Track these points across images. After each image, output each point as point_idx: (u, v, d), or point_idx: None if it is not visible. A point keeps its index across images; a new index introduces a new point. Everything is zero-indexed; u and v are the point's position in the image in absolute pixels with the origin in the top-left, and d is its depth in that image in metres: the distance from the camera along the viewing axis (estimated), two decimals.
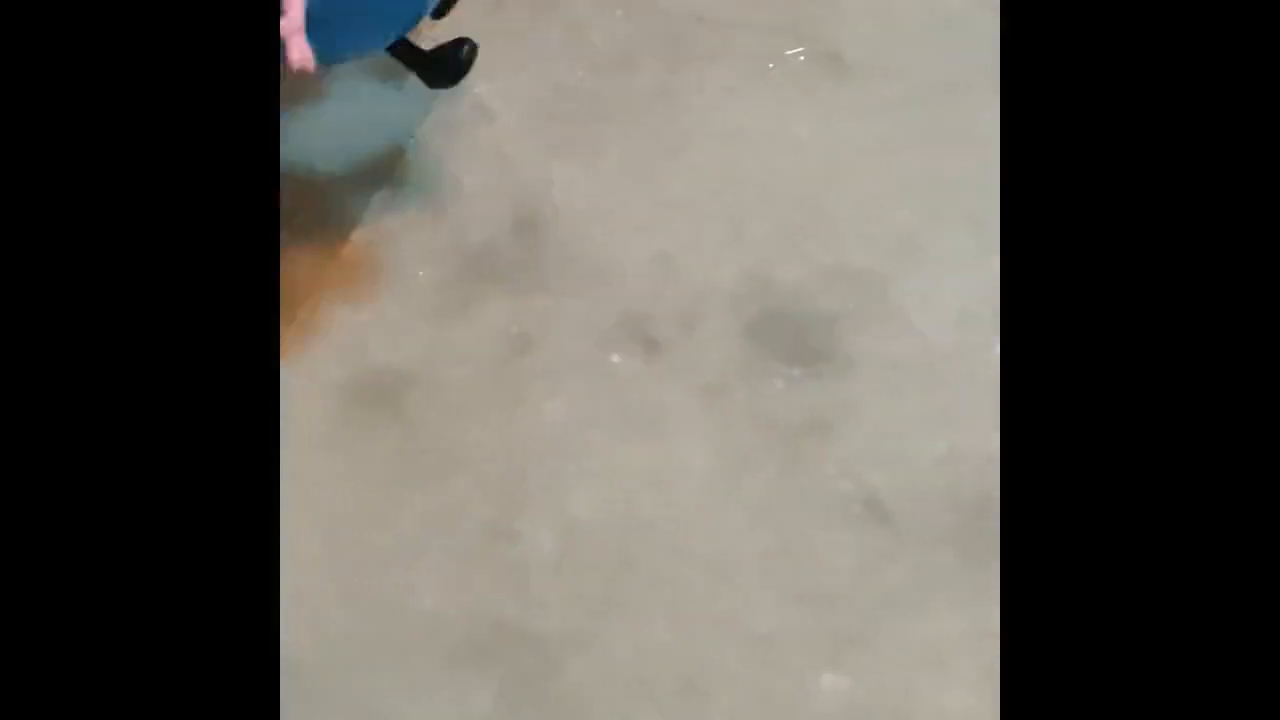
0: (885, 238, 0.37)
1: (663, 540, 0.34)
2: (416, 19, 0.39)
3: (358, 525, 0.35)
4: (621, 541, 0.34)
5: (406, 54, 0.39)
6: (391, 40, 0.39)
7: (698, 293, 0.37)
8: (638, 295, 0.38)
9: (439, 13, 0.40)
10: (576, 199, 0.39)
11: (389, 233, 0.39)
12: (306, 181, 0.40)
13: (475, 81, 0.39)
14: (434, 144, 0.40)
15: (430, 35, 0.40)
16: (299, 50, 0.33)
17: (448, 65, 0.39)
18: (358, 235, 0.39)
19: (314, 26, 0.35)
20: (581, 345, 0.37)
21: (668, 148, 0.40)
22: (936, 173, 0.39)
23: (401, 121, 0.40)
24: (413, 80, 0.38)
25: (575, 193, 0.40)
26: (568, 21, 0.43)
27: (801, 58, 0.40)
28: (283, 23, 0.33)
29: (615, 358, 0.37)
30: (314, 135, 0.41)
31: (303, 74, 0.34)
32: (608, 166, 0.40)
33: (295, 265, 0.39)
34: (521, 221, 0.39)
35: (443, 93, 0.38)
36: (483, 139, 0.40)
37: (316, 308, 0.38)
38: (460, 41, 0.39)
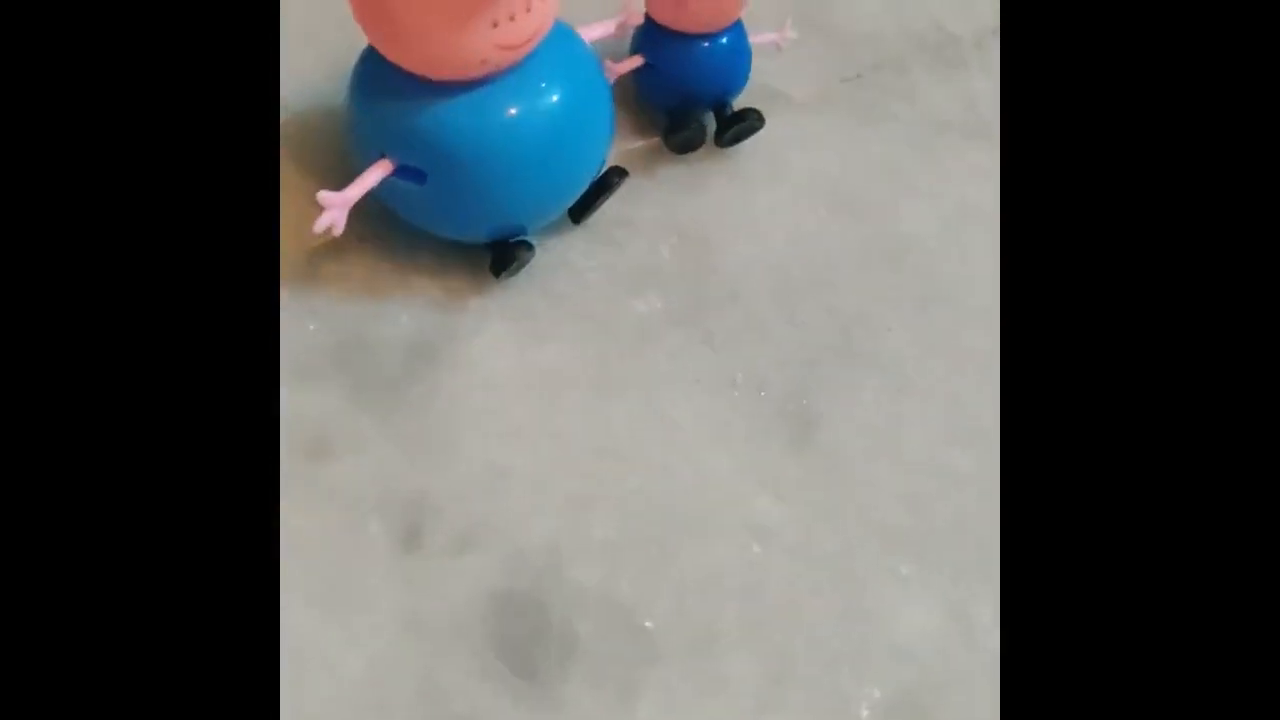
0: None
1: None
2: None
3: None
4: None
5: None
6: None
7: None
8: None
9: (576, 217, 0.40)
10: None
11: None
12: None
13: None
14: None
15: None
16: (325, 220, 0.34)
17: (503, 257, 0.38)
18: None
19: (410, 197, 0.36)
20: None
21: None
22: None
23: None
24: None
25: None
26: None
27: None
28: (327, 193, 0.34)
29: None
30: None
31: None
32: None
33: None
34: None
35: None
36: None
37: None
38: (521, 244, 0.38)
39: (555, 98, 0.36)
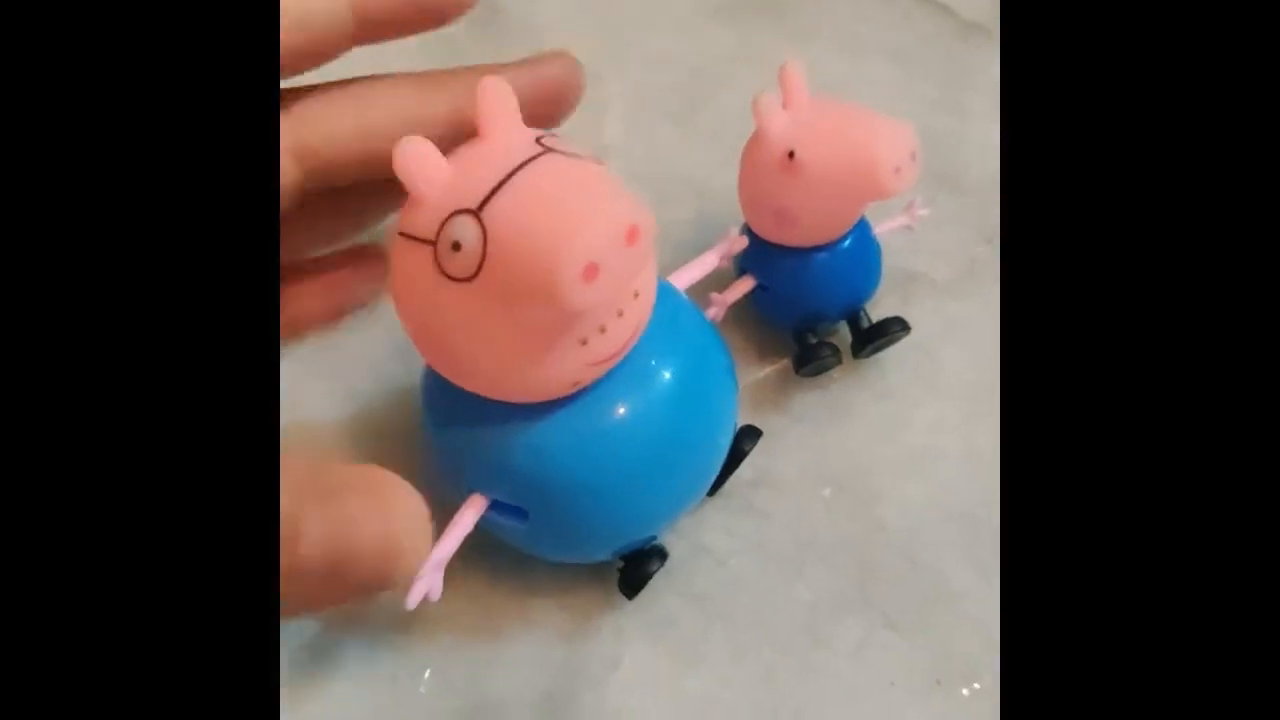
0: None
1: None
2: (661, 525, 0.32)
3: None
4: None
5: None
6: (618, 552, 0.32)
7: None
8: None
9: (710, 491, 0.33)
10: None
11: None
12: None
13: None
14: None
15: None
16: (419, 591, 0.27)
17: (632, 576, 0.32)
18: None
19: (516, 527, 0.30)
20: None
21: None
22: None
23: None
24: None
25: None
26: None
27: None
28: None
29: None
30: None
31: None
32: None
33: None
34: None
35: None
36: None
37: None
38: (652, 554, 0.32)
39: (666, 382, 0.29)
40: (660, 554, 0.32)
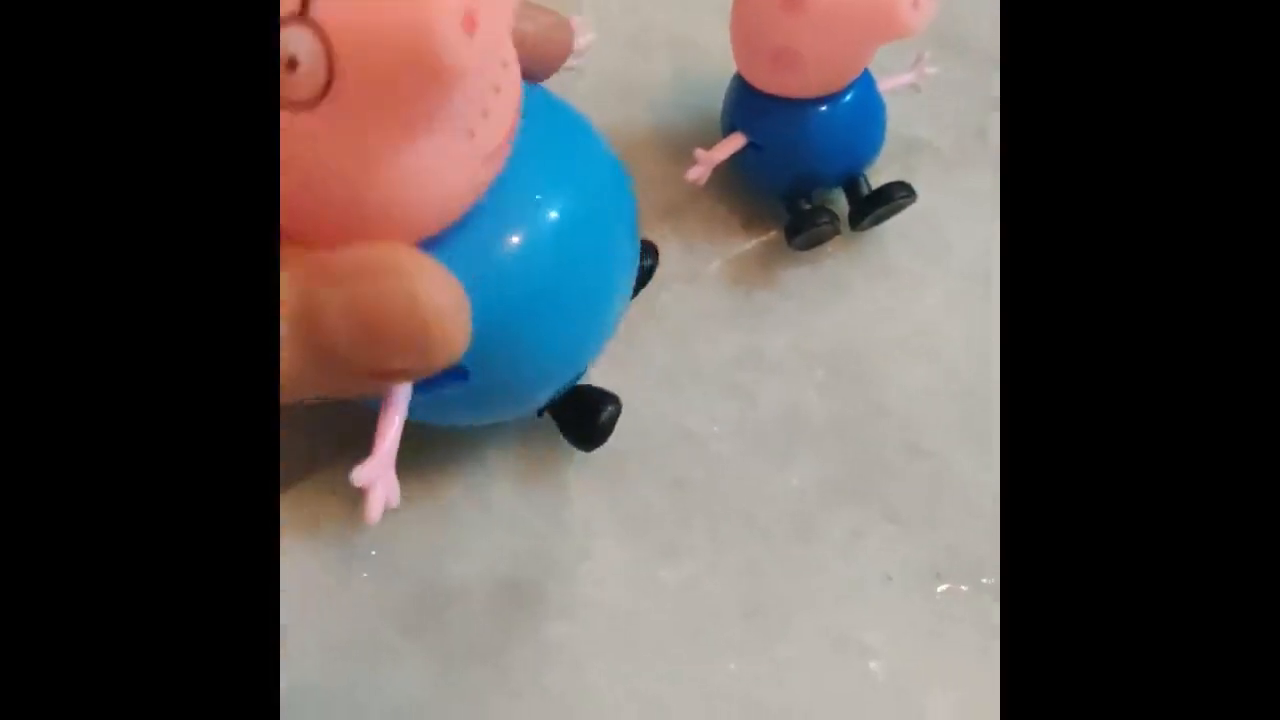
0: None
1: None
2: (575, 378, 0.28)
3: None
4: None
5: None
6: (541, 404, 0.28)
7: None
8: None
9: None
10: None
11: None
12: None
13: None
14: None
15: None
16: (378, 500, 0.23)
17: (586, 427, 0.28)
18: None
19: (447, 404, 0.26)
20: None
21: None
22: None
23: None
24: None
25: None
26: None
27: None
28: (364, 469, 0.22)
29: None
30: None
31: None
32: None
33: None
34: None
35: None
36: None
37: None
38: (604, 399, 0.28)
39: (561, 184, 0.25)
40: (613, 399, 0.28)
